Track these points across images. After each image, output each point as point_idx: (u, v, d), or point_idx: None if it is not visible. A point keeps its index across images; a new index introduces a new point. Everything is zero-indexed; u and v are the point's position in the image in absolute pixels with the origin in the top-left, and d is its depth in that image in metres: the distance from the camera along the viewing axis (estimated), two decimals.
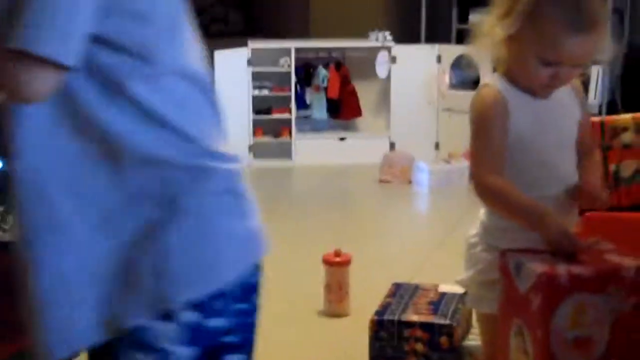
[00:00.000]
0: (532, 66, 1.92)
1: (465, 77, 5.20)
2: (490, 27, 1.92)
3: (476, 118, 1.99)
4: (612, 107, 5.31)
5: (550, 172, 1.99)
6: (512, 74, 1.98)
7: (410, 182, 4.94)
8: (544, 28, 1.88)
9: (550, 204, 1.96)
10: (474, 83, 5.01)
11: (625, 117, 2.73)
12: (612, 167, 2.68)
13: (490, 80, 2.01)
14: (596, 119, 2.79)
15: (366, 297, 3.08)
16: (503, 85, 1.99)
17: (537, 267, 1.89)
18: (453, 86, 5.22)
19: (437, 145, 5.23)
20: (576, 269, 1.88)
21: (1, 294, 3.22)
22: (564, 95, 2.01)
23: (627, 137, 2.68)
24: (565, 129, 2.02)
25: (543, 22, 1.87)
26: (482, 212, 2.06)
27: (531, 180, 1.98)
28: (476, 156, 1.98)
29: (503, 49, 1.94)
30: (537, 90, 1.97)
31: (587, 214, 2.61)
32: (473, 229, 2.07)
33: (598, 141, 2.67)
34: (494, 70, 2.07)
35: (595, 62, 2.08)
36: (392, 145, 5.31)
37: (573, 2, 1.86)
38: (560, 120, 2.01)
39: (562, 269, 1.87)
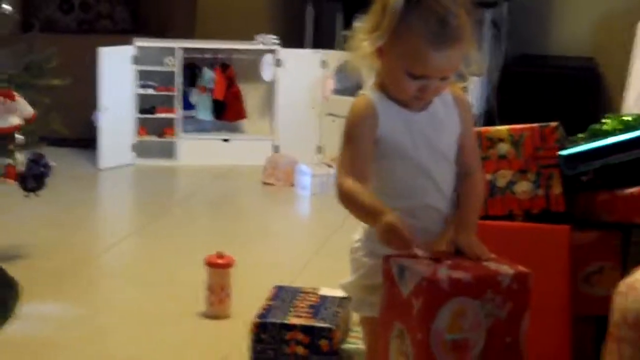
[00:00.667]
0: (401, 79, 1.95)
1: (348, 83, 5.24)
2: (359, 41, 1.96)
3: (346, 125, 2.02)
4: (489, 117, 5.39)
5: (428, 182, 2.02)
6: (385, 86, 2.01)
7: (293, 185, 4.96)
8: (409, 43, 1.91)
9: (433, 214, 2.03)
10: (358, 89, 5.06)
11: (502, 128, 2.77)
12: (488, 176, 2.73)
13: (367, 90, 2.04)
14: (474, 129, 2.83)
15: (248, 300, 3.09)
16: (376, 96, 2.02)
17: (419, 271, 1.93)
18: (337, 91, 5.25)
19: (319, 149, 5.25)
20: (456, 274, 1.93)
21: None
22: (440, 110, 2.04)
23: (503, 148, 2.73)
24: (440, 143, 2.04)
25: (408, 37, 1.90)
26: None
27: (411, 188, 2.03)
28: (340, 161, 2.02)
29: (374, 61, 1.98)
30: (408, 103, 1.99)
31: None
32: (356, 235, 2.10)
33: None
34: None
35: (463, 75, 2.10)
36: (276, 148, 5.32)
37: (437, 18, 1.89)
38: (433, 133, 2.03)
39: (443, 274, 1.92)
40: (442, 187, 2.04)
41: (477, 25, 2.05)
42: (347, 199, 1.97)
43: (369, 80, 2.05)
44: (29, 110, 3.24)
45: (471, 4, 1.98)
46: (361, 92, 2.06)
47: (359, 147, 2.00)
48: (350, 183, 1.96)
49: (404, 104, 2.00)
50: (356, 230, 2.10)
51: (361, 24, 1.98)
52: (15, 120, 3.20)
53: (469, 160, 2.08)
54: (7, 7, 3.44)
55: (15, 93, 3.19)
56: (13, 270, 3.58)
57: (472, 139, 2.13)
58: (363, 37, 1.96)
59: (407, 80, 1.95)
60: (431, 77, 1.94)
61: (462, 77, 2.10)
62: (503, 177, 2.72)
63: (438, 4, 1.90)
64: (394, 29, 1.91)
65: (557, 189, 2.70)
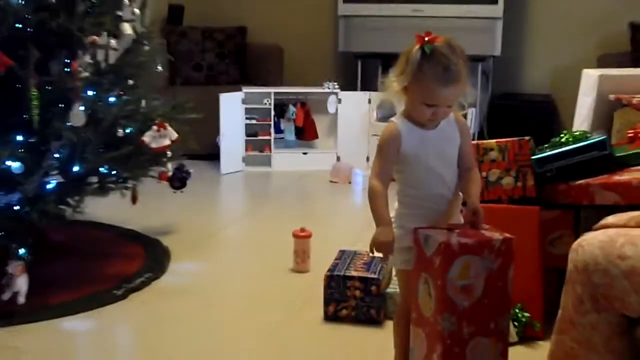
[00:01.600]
0: (419, 107, 1.97)
1: (386, 113, 5.22)
2: (390, 82, 1.99)
3: (379, 142, 2.05)
4: (481, 135, 5.36)
5: (436, 178, 2.03)
6: (409, 113, 2.02)
7: (350, 183, 4.95)
8: (424, 83, 1.93)
9: (440, 199, 2.04)
10: (392, 117, 5.06)
11: (491, 141, 2.76)
12: (483, 174, 2.71)
13: (395, 118, 2.05)
14: (473, 142, 2.81)
15: (321, 260, 3.07)
16: (401, 121, 2.03)
17: (438, 238, 1.92)
18: (378, 119, 5.23)
19: (367, 159, 5.22)
20: (463, 240, 1.92)
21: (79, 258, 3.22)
22: (447, 128, 2.05)
23: (493, 154, 2.71)
24: (446, 150, 2.05)
25: (424, 79, 1.92)
26: (395, 203, 2.10)
27: (424, 182, 2.04)
28: (373, 166, 2.05)
29: (402, 96, 2.00)
30: (425, 123, 2.01)
31: None
32: (392, 213, 2.09)
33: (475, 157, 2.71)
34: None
35: (462, 105, 2.09)
36: (338, 158, 5.30)
37: (443, 66, 1.91)
38: (441, 144, 2.04)
39: (454, 240, 1.90)
40: (447, 181, 2.04)
41: (471, 72, 2.04)
42: (370, 196, 2.04)
43: (399, 110, 2.06)
44: (175, 135, 3.28)
45: (467, 57, 1.98)
46: (390, 119, 2.08)
47: (386, 159, 2.03)
48: (375, 184, 2.02)
49: (421, 125, 2.02)
50: (391, 211, 2.09)
51: (392, 71, 2.01)
52: (166, 142, 3.24)
53: (467, 160, 2.08)
54: (160, 68, 3.48)
55: (166, 124, 3.23)
56: (165, 240, 3.63)
57: (469, 146, 2.11)
58: (393, 80, 1.99)
59: (423, 108, 1.97)
60: (440, 105, 1.96)
61: (462, 107, 2.10)
62: (494, 174, 2.70)
63: (443, 57, 1.92)
64: (414, 74, 1.93)
65: (530, 182, 2.68)
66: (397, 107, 2.11)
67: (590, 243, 1.82)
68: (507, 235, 1.95)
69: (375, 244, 2.00)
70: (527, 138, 2.71)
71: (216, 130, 5.09)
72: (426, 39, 1.93)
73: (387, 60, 5.38)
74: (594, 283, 1.79)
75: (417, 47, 1.94)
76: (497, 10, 5.33)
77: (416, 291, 2.01)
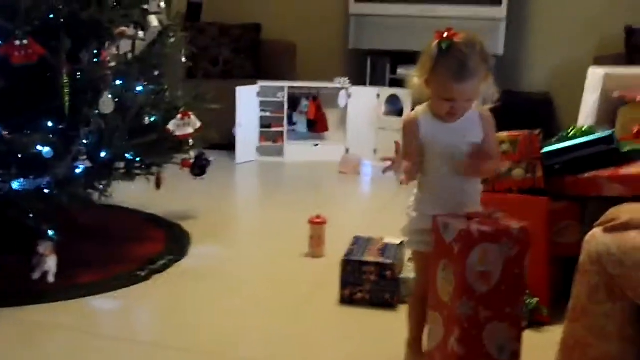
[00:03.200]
0: (438, 101, 1.92)
1: (393, 108, 5.16)
2: (412, 77, 1.95)
3: (402, 128, 2.03)
4: None
5: (449, 162, 1.99)
6: (431, 106, 1.98)
7: (359, 173, 4.90)
8: (441, 78, 1.88)
9: (452, 189, 2.02)
10: (399, 112, 5.00)
11: (504, 134, 2.71)
12: None
13: (418, 108, 2.02)
14: None
15: (336, 246, 3.00)
16: (422, 109, 2.00)
17: (458, 225, 1.86)
18: (386, 114, 5.17)
19: (375, 151, 5.17)
20: (482, 227, 1.86)
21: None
22: (468, 122, 1.98)
23: (504, 146, 2.66)
24: (463, 143, 1.98)
25: (440, 74, 1.88)
26: (415, 189, 2.07)
27: (440, 170, 2.01)
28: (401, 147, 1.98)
29: (424, 90, 1.95)
30: (444, 117, 1.95)
31: (483, 196, 2.59)
32: (411, 198, 2.08)
33: None
34: (413, 105, 2.09)
35: (486, 101, 2.03)
36: (347, 150, 5.24)
37: (458, 62, 1.85)
38: (458, 136, 1.98)
39: (474, 227, 1.85)
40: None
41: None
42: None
43: (407, 107, 2.03)
44: (198, 124, 3.23)
45: (487, 51, 1.93)
46: (412, 110, 2.05)
47: (407, 141, 2.01)
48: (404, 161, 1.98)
49: (441, 118, 1.96)
50: (410, 196, 2.09)
51: (416, 67, 1.96)
52: (189, 130, 3.19)
53: (492, 152, 2.03)
54: (184, 60, 3.42)
55: (190, 113, 3.17)
56: (186, 225, 3.57)
57: (492, 141, 2.05)
58: (414, 74, 1.96)
59: (442, 102, 1.92)
60: (457, 100, 1.90)
61: (486, 102, 2.03)
62: (504, 166, 2.64)
63: (459, 52, 1.87)
64: (432, 69, 1.89)
65: (539, 174, 2.62)
66: (405, 103, 2.08)
67: (604, 234, 1.76)
68: (524, 223, 1.89)
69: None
70: (537, 132, 2.65)
71: (232, 122, 5.04)
72: (445, 34, 1.88)
73: (395, 58, 5.43)
74: (608, 273, 1.73)
75: (435, 42, 1.89)
76: (501, 11, 5.27)
77: (435, 277, 1.95)
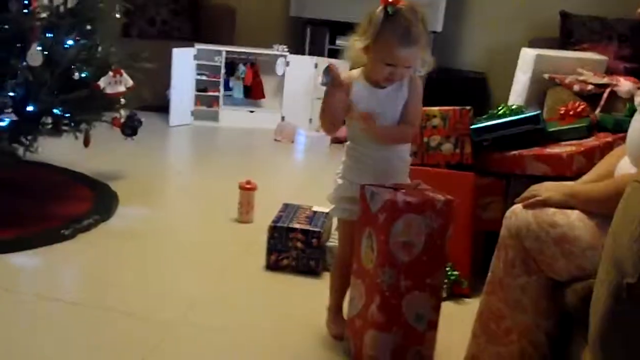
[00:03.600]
0: (379, 66, 1.94)
1: (330, 79, 5.14)
2: (353, 42, 1.96)
3: None
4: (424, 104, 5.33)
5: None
6: (367, 70, 2.00)
7: (293, 142, 4.89)
8: (386, 42, 1.89)
9: (379, 157, 2.04)
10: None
11: (435, 109, 2.74)
12: (425, 139, 2.69)
13: (352, 71, 2.05)
14: None
15: (265, 212, 3.01)
16: (357, 74, 2.03)
17: (384, 195, 1.88)
18: (323, 84, 5.14)
19: (310, 120, 5.16)
20: (408, 198, 1.88)
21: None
22: (398, 87, 2.01)
23: (435, 121, 2.69)
24: (392, 109, 2.01)
25: (385, 39, 1.89)
26: (343, 156, 2.09)
27: (367, 138, 2.03)
28: None
29: (363, 55, 1.96)
30: (381, 81, 1.97)
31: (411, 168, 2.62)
32: (340, 166, 2.10)
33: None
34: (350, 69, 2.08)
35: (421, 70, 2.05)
36: (283, 118, 5.22)
37: (403, 27, 1.87)
38: (388, 103, 2.01)
39: (400, 198, 1.86)
40: None
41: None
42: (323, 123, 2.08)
43: (344, 75, 2.02)
44: (130, 82, 3.16)
45: (426, 21, 1.94)
46: (349, 71, 2.07)
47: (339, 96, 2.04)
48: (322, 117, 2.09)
49: (375, 84, 1.99)
50: (339, 163, 2.11)
51: (355, 32, 1.97)
52: (121, 89, 3.12)
53: (407, 115, 2.03)
54: (118, 16, 3.33)
55: (122, 71, 3.10)
56: (114, 185, 3.51)
57: (414, 106, 2.04)
58: (356, 39, 1.96)
59: (383, 67, 1.93)
60: (398, 66, 1.92)
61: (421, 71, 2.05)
62: (434, 140, 2.67)
63: (404, 19, 1.89)
64: (377, 33, 1.90)
65: (468, 149, 2.67)
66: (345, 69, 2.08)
67: (524, 210, 1.81)
68: (448, 196, 1.93)
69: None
70: (467, 108, 2.69)
71: (167, 84, 4.95)
72: (390, 0, 1.90)
73: (335, 28, 5.40)
74: (526, 248, 1.78)
75: (380, 7, 1.91)
76: None
77: (359, 244, 1.97)
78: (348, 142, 2.09)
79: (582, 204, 1.75)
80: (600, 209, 1.70)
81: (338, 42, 5.34)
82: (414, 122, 2.07)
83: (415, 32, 1.89)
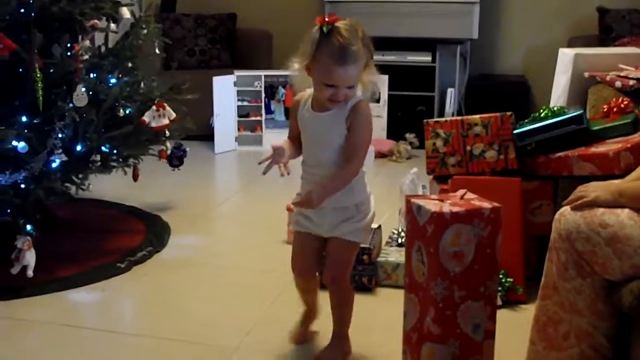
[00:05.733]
0: (320, 87, 1.90)
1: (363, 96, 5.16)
2: (293, 64, 1.94)
3: None
4: (459, 114, 5.32)
5: (314, 156, 2.03)
6: (314, 93, 1.98)
7: None
8: (323, 62, 1.85)
9: (316, 175, 2.04)
10: (376, 99, 5.01)
11: (476, 117, 2.73)
12: (468, 147, 2.68)
13: (308, 90, 2.02)
14: (457, 118, 2.79)
15: None
16: (308, 95, 2.01)
17: (430, 208, 1.88)
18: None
19: None
20: (454, 209, 1.88)
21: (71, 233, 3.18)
22: (337, 114, 1.95)
23: (477, 129, 2.68)
24: (327, 135, 1.97)
25: (321, 57, 1.85)
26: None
27: (309, 156, 2.05)
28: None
29: (307, 78, 1.94)
30: (327, 104, 1.92)
31: (454, 177, 2.62)
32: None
33: (459, 131, 2.68)
34: (294, 92, 2.09)
35: (375, 94, 2.04)
36: None
37: (339, 46, 1.82)
38: (323, 128, 1.97)
39: (446, 209, 1.87)
40: (323, 162, 2.01)
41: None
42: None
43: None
44: (173, 115, 3.22)
45: (370, 40, 1.90)
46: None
47: (291, 120, 2.11)
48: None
49: (319, 106, 1.96)
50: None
51: (297, 52, 1.94)
52: (165, 121, 3.18)
53: (347, 151, 1.97)
54: (158, 52, 3.41)
55: (165, 104, 3.17)
56: (165, 216, 3.58)
57: (356, 138, 1.96)
58: (295, 60, 1.94)
59: (323, 87, 1.89)
60: (339, 86, 1.87)
61: (374, 97, 2.04)
62: (477, 148, 2.67)
63: (340, 36, 1.84)
64: (314, 53, 1.87)
65: (512, 155, 2.66)
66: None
67: (572, 212, 1.80)
68: (495, 204, 1.92)
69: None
70: (508, 113, 2.68)
71: (210, 112, 5.03)
72: (326, 19, 1.87)
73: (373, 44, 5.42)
74: (577, 250, 1.76)
75: (317, 27, 1.87)
76: None
77: (409, 258, 1.98)
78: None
79: (631, 201, 1.73)
80: None
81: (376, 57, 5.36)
82: (354, 155, 1.97)
83: (353, 51, 1.83)
